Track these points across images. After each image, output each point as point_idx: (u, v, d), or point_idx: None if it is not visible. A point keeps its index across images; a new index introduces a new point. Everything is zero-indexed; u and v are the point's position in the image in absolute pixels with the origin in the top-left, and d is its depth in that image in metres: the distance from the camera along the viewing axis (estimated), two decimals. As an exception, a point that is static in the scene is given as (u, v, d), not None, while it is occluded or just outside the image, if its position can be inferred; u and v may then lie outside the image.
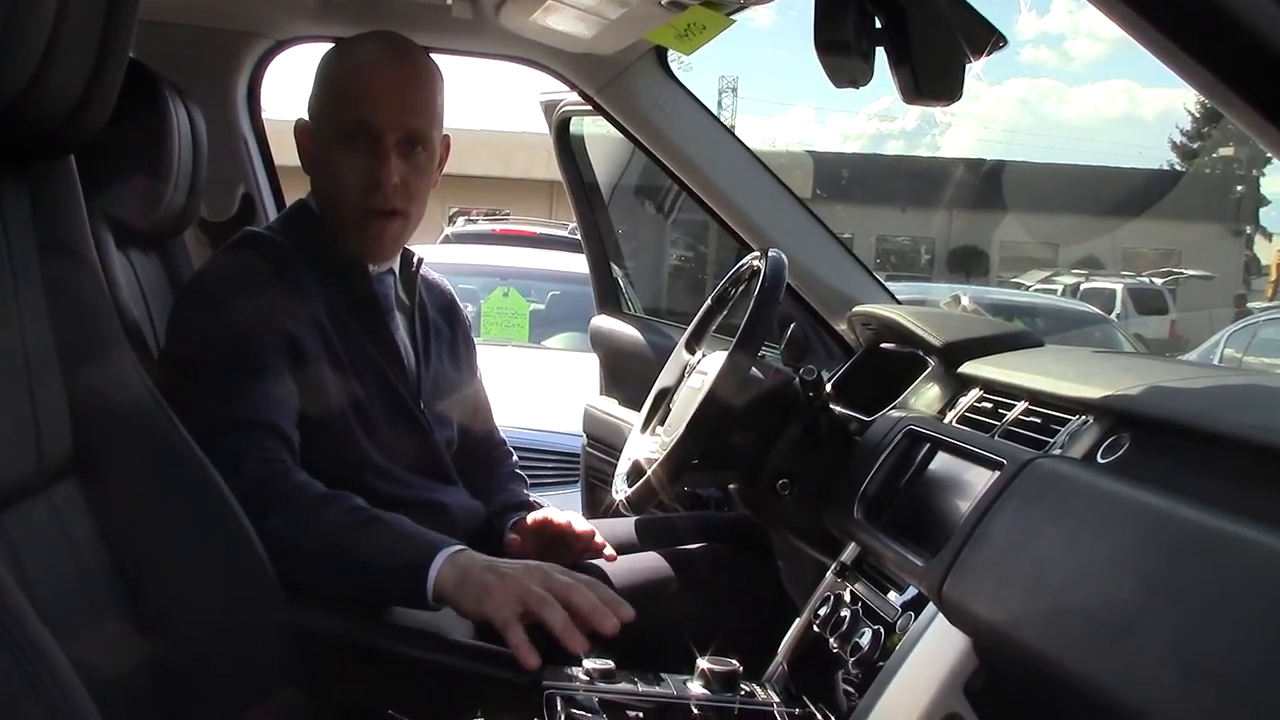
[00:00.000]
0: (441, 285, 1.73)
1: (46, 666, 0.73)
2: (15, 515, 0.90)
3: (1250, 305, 15.92)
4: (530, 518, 1.55)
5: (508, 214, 9.12)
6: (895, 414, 1.50)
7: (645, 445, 1.71)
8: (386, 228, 1.48)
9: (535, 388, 3.62)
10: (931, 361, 1.59)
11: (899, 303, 1.98)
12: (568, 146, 2.53)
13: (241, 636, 1.10)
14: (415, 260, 1.61)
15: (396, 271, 1.58)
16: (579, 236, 2.75)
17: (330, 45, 1.58)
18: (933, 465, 1.32)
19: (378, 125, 1.44)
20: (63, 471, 0.99)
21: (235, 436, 1.25)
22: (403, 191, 1.46)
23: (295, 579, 1.18)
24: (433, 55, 1.56)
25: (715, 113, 2.23)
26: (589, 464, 2.53)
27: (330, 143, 1.46)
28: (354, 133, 1.44)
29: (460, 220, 8.48)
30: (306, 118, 1.53)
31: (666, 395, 1.76)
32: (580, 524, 1.54)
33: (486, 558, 1.21)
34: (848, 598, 1.35)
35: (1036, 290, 15.22)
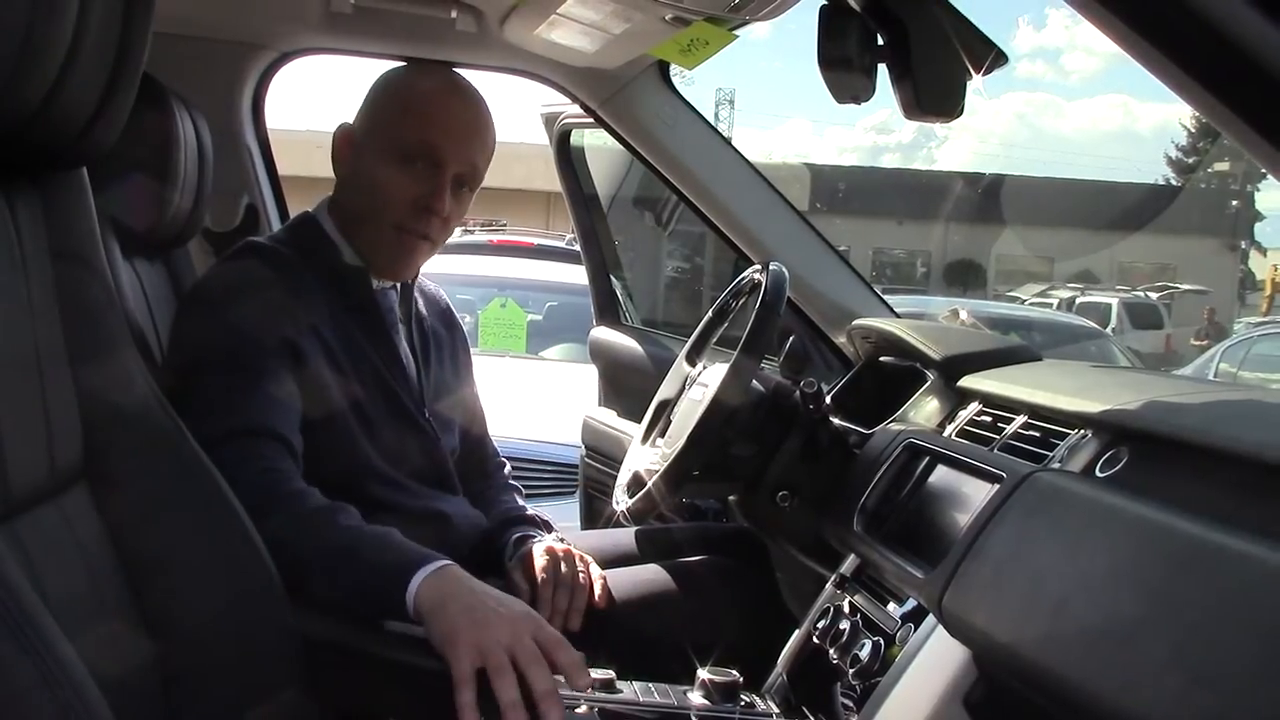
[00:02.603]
0: (438, 294, 1.74)
1: (61, 666, 0.74)
2: (28, 521, 0.91)
3: (1235, 323, 15.90)
4: (537, 561, 1.48)
5: (505, 225, 9.08)
6: (895, 427, 1.51)
7: (646, 456, 1.72)
8: (418, 251, 1.50)
9: (532, 398, 3.62)
10: (931, 375, 1.61)
11: (898, 316, 2.00)
12: (568, 159, 2.54)
13: (245, 640, 1.10)
14: None
15: (397, 284, 1.59)
16: (576, 248, 2.75)
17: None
18: (932, 478, 1.32)
19: (443, 154, 1.45)
20: (73, 477, 0.99)
21: (236, 444, 1.25)
22: (442, 224, 1.48)
23: (286, 580, 1.16)
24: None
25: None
26: (588, 475, 2.53)
27: (384, 157, 1.46)
28: (416, 154, 1.45)
29: (457, 231, 8.44)
30: (353, 126, 1.52)
31: (667, 407, 1.77)
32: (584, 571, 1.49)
33: (472, 587, 1.16)
34: (847, 609, 1.36)
35: (1032, 304, 15.25)
